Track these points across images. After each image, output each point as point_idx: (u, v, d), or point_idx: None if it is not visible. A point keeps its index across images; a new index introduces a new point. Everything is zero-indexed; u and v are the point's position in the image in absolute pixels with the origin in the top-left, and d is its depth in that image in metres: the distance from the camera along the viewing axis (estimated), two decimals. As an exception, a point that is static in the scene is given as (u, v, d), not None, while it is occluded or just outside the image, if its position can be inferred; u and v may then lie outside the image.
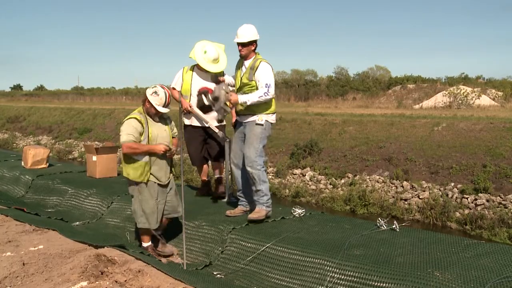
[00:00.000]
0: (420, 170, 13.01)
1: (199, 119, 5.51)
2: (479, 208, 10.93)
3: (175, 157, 4.84)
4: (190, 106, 5.41)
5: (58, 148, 23.50)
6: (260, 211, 4.64)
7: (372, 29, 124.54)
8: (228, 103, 4.72)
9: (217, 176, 5.94)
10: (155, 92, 4.47)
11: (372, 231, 4.43)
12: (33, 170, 7.97)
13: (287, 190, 13.98)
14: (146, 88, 4.62)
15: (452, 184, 12.04)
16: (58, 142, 24.95)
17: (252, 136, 4.57)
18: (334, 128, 16.68)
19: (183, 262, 4.27)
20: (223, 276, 4.09)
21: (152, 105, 4.46)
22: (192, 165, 6.40)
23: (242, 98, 4.50)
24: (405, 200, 12.11)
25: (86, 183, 7.05)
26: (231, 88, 4.86)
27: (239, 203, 5.00)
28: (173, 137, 4.77)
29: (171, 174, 4.72)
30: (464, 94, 22.63)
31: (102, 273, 3.77)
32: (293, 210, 5.13)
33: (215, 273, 4.15)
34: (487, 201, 11.04)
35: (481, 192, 11.30)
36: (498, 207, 10.77)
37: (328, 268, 3.69)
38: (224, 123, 5.31)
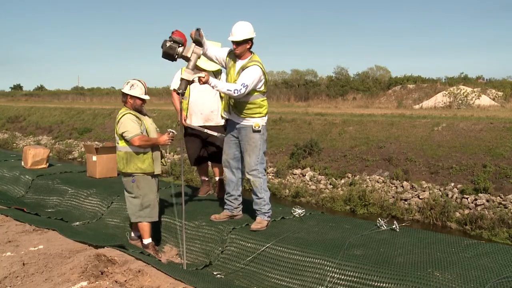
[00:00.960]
0: (420, 170, 13.01)
1: (198, 119, 5.50)
2: (479, 208, 10.93)
3: (175, 157, 4.86)
4: (185, 120, 5.44)
5: (58, 148, 23.53)
6: (261, 222, 4.58)
7: (372, 29, 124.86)
8: (197, 78, 4.22)
9: (217, 178, 5.92)
10: (132, 85, 4.63)
11: (372, 231, 4.43)
12: (33, 170, 7.96)
13: (287, 190, 13.99)
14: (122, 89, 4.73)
15: (452, 184, 12.05)
16: (58, 142, 24.98)
17: (252, 145, 4.48)
18: (334, 128, 16.68)
19: (183, 262, 4.27)
20: (223, 276, 4.09)
21: (136, 97, 4.62)
22: (192, 166, 6.38)
23: (213, 80, 4.22)
24: (405, 200, 12.12)
25: (86, 183, 7.05)
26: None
27: (225, 207, 4.87)
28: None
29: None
30: (464, 94, 22.65)
31: (102, 273, 3.77)
32: (293, 210, 5.12)
33: (215, 273, 4.14)
34: (487, 201, 11.04)
35: (481, 192, 11.30)
36: (498, 207, 10.78)
37: (328, 268, 3.69)
38: (223, 122, 5.31)
